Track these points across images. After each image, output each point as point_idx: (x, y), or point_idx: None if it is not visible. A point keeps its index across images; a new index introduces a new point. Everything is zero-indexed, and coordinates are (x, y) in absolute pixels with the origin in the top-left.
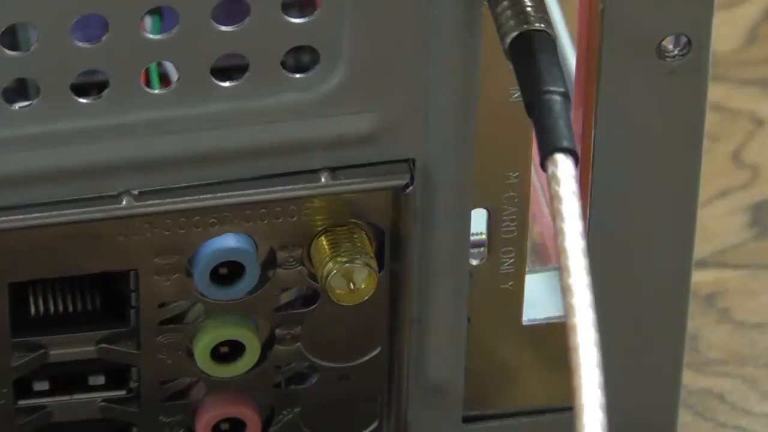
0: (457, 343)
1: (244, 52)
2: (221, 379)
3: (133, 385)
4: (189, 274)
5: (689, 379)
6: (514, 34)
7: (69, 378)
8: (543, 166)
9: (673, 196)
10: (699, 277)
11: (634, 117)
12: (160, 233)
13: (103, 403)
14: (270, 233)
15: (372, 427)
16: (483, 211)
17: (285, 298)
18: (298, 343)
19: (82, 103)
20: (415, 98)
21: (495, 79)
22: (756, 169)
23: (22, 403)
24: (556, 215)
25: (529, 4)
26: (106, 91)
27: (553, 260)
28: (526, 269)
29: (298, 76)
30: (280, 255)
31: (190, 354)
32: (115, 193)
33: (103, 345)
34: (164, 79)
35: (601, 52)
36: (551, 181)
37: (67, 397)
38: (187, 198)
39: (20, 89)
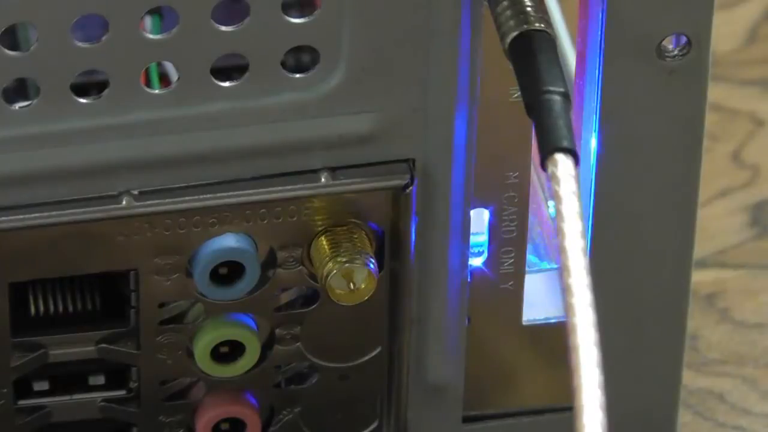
0: (457, 343)
1: (244, 52)
2: (221, 379)
3: (133, 385)
4: (189, 274)
5: (689, 379)
6: (514, 34)
7: (69, 378)
8: (543, 166)
9: (673, 196)
10: (699, 277)
11: (634, 117)
12: (160, 233)
13: (103, 403)
14: (270, 233)
15: (372, 427)
16: (483, 211)
17: (285, 298)
18: (298, 343)
19: (82, 103)
20: (415, 98)
21: (495, 79)
22: (756, 169)
23: (22, 403)
24: (556, 215)
25: (529, 4)
26: (106, 91)
27: (553, 260)
28: (526, 269)
29: (298, 76)
30: (280, 255)
31: (190, 354)
32: (115, 193)
33: (103, 345)
34: (164, 79)
35: (601, 52)
36: (551, 181)
37: (67, 397)
38: (187, 198)
39: (20, 89)
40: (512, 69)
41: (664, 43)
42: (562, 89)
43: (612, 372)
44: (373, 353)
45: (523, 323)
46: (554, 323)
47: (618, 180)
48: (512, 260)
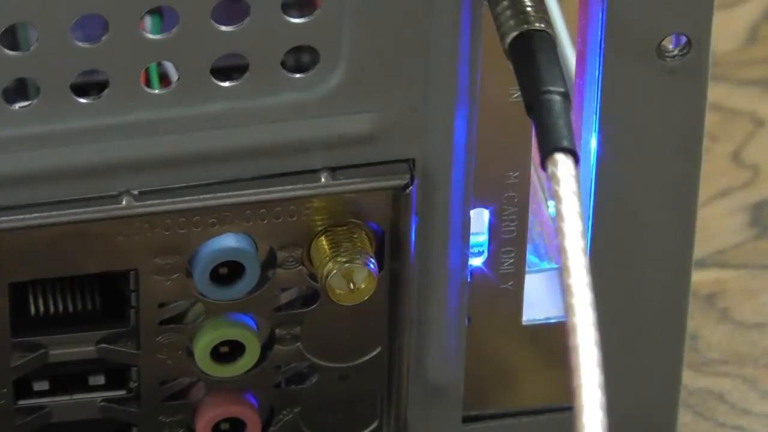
0: (457, 343)
1: (244, 52)
2: (221, 379)
3: (133, 385)
4: (189, 274)
5: (689, 378)
6: (514, 34)
7: (69, 378)
8: (543, 166)
9: (673, 196)
10: (699, 277)
11: (634, 117)
12: (160, 233)
13: (103, 403)
14: (270, 233)
15: (372, 427)
16: (483, 211)
17: (285, 298)
18: (298, 343)
19: (82, 103)
20: (415, 98)
21: (495, 79)
22: (756, 169)
23: (22, 403)
24: (556, 215)
25: (529, 4)
26: (106, 91)
27: (553, 260)
28: (526, 269)
29: (298, 76)
30: (280, 255)
31: (190, 354)
32: (115, 193)
33: (103, 345)
34: (164, 79)
35: (601, 52)
36: (551, 181)
37: (67, 397)
38: (187, 198)
39: (20, 89)
40: (512, 69)
41: (664, 43)
42: (562, 89)
43: (612, 372)
44: (373, 353)
45: (523, 323)
46: (554, 323)
47: (618, 180)
48: (512, 260)
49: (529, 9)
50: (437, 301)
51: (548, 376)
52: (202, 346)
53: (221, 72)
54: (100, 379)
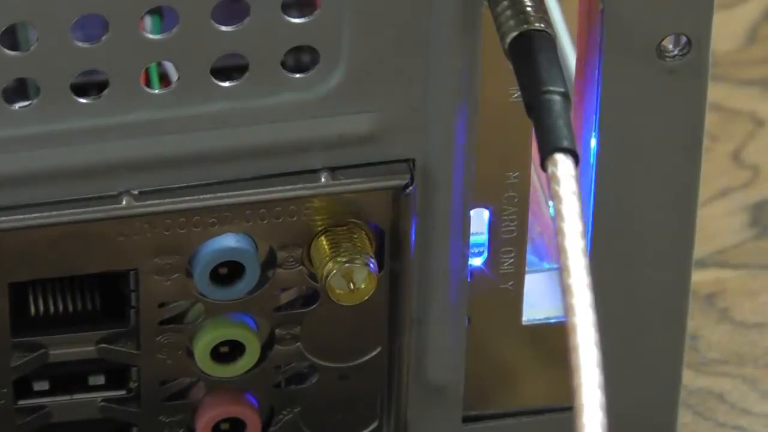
0: (457, 343)
1: (244, 52)
2: (221, 379)
3: (133, 385)
4: (189, 274)
5: (689, 378)
6: (514, 34)
7: (69, 378)
8: (543, 166)
9: (673, 196)
10: (699, 277)
11: (634, 117)
12: (160, 233)
13: (103, 403)
14: (270, 233)
15: (372, 427)
16: (483, 211)
17: (285, 298)
18: (298, 343)
19: (82, 103)
20: (415, 98)
21: (495, 79)
22: (756, 169)
23: (22, 403)
24: (556, 215)
25: (529, 4)
26: (106, 91)
27: (553, 260)
28: (526, 269)
29: (298, 76)
30: (280, 255)
31: (190, 354)
32: (115, 193)
33: (103, 345)
34: (164, 79)
35: (601, 52)
36: (551, 181)
37: (67, 397)
38: (187, 198)
39: (20, 89)
40: (512, 69)
41: (664, 43)
42: (562, 89)
43: (612, 372)
44: (373, 353)
45: (523, 323)
46: (554, 323)
47: (618, 180)
48: (512, 260)
49: (529, 9)
50: (437, 301)
51: (548, 376)
52: (202, 346)
53: (221, 72)
54: (100, 379)
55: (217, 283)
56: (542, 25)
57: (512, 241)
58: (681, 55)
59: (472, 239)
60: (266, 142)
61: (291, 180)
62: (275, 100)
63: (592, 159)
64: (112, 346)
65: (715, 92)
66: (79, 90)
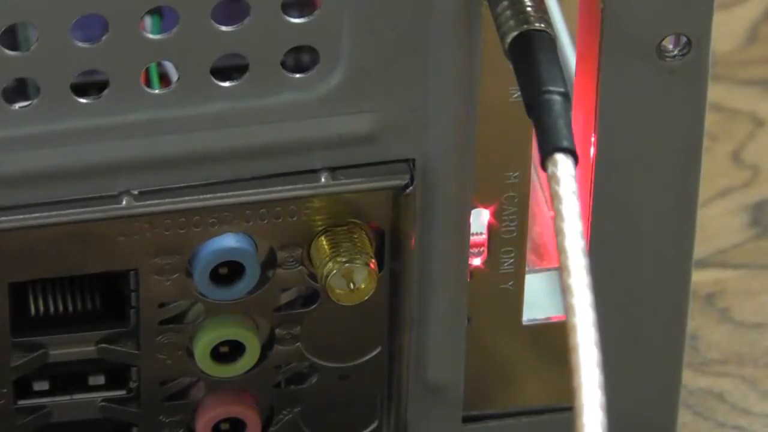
0: (457, 343)
1: (244, 52)
2: (221, 379)
3: (133, 385)
4: (189, 274)
5: (689, 379)
6: (514, 34)
7: (69, 378)
8: (543, 166)
9: (673, 196)
10: (699, 277)
11: (634, 117)
12: (160, 233)
13: (103, 403)
14: (270, 233)
15: (372, 427)
16: (483, 211)
17: (285, 298)
18: (298, 343)
19: (82, 103)
20: (415, 98)
21: (495, 79)
22: (756, 169)
23: (22, 403)
24: (556, 215)
25: (529, 4)
26: (106, 91)
27: (553, 260)
28: (526, 269)
29: (298, 76)
30: (280, 255)
31: (190, 354)
32: (115, 193)
33: (103, 345)
34: (164, 79)
35: (601, 52)
36: (551, 181)
37: (67, 397)
38: (187, 198)
39: (20, 89)
40: (512, 69)
41: (664, 43)
42: (561, 89)
43: (612, 372)
44: (373, 353)
45: (523, 323)
46: (554, 323)
47: (618, 180)
48: (512, 260)
49: (529, 9)
50: (437, 301)
51: (548, 376)
52: (202, 346)
53: (221, 72)
54: (100, 379)
55: (217, 283)
56: (542, 25)
57: (512, 241)
58: (681, 55)
59: (472, 239)
60: (266, 142)
61: (291, 180)
62: (275, 100)
63: (592, 159)
64: (112, 346)
65: (715, 92)
66: (79, 90)
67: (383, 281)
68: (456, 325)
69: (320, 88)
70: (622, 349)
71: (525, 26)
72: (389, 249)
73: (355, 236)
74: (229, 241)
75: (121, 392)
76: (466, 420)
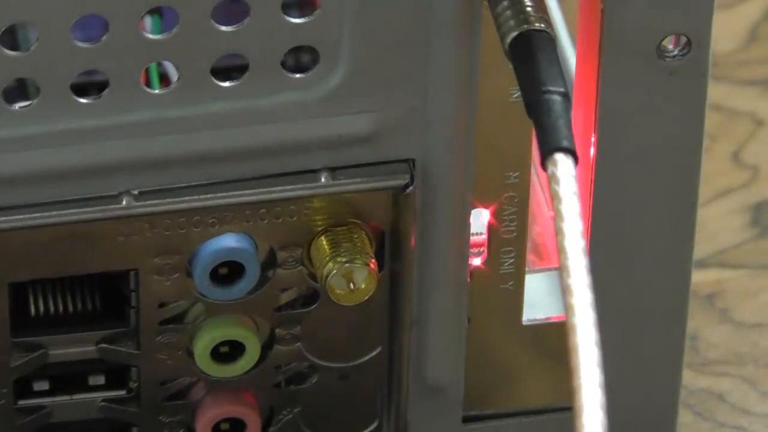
0: (457, 343)
1: (244, 52)
2: (221, 379)
3: (133, 385)
4: (189, 274)
5: (689, 379)
6: (514, 34)
7: (69, 378)
8: (543, 166)
9: (673, 196)
10: (699, 277)
11: (634, 117)
12: (160, 233)
13: (103, 403)
14: (270, 233)
15: (372, 427)
16: (483, 211)
17: (285, 298)
18: (298, 343)
19: (82, 103)
20: (415, 98)
21: (495, 79)
22: (756, 169)
23: (22, 403)
24: (556, 215)
25: (529, 4)
26: (106, 91)
27: (553, 260)
28: (526, 269)
29: (298, 76)
30: (280, 255)
31: (190, 354)
32: (115, 193)
33: (103, 345)
34: (164, 79)
35: (601, 52)
36: (551, 181)
37: (67, 397)
38: (187, 198)
39: (20, 89)
40: (512, 69)
41: (664, 43)
42: (561, 89)
43: (612, 372)
44: (373, 353)
45: (523, 323)
46: (554, 323)
47: (617, 180)
48: (512, 260)
49: (529, 9)
50: (437, 301)
51: (548, 376)
52: (202, 346)
53: (221, 72)
54: (100, 379)
55: (217, 283)
56: (542, 25)
57: (512, 241)
58: (681, 55)
59: (472, 239)
60: (266, 142)
61: (291, 180)
62: (275, 100)
63: (592, 159)
64: (112, 346)
65: (715, 92)
66: (79, 90)
67: (383, 281)
68: (456, 325)
69: (320, 88)
70: (622, 349)
71: (525, 26)
72: (389, 249)
73: (355, 236)
74: (229, 241)
75: (121, 392)
76: (466, 420)
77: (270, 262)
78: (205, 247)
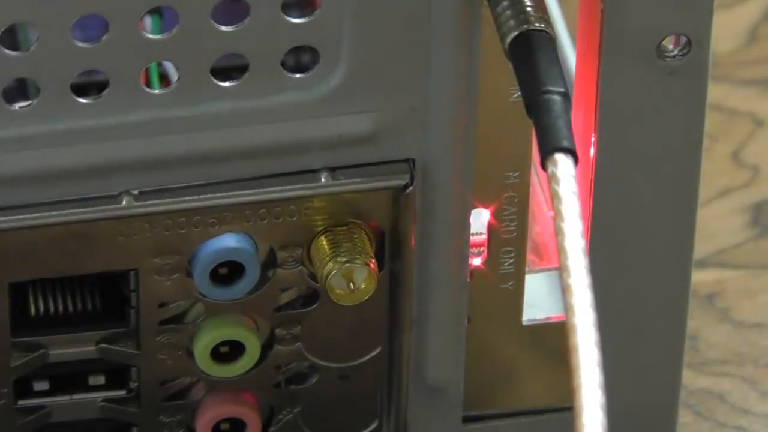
0: (457, 343)
1: (244, 52)
2: (221, 379)
3: (133, 385)
4: (189, 274)
5: (689, 379)
6: (514, 34)
7: (69, 378)
8: (543, 166)
9: (673, 196)
10: (699, 277)
11: (634, 117)
12: (160, 233)
13: (103, 403)
14: (270, 233)
15: (372, 427)
16: (483, 211)
17: (285, 298)
18: (298, 343)
19: (82, 103)
20: (415, 98)
21: (495, 79)
22: (756, 169)
23: (22, 403)
24: (556, 215)
25: (529, 4)
26: (106, 91)
27: (553, 260)
28: (526, 269)
29: (298, 76)
30: (280, 255)
31: (190, 354)
32: (115, 193)
33: (103, 345)
34: (164, 79)
35: (601, 52)
36: (551, 181)
37: (67, 397)
38: (187, 198)
39: (20, 89)
40: (512, 69)
41: (664, 43)
42: (561, 89)
43: (612, 372)
44: (373, 353)
45: (523, 323)
46: (554, 323)
47: (617, 180)
48: (512, 260)
49: (529, 9)
50: (437, 301)
51: (548, 376)
52: (202, 346)
53: (221, 72)
54: (100, 379)
55: (217, 283)
56: (542, 25)
57: (512, 241)
58: (681, 55)
59: (472, 239)
60: (266, 142)
61: (291, 180)
62: (275, 100)
63: (592, 159)
64: (112, 346)
65: (715, 92)
66: (79, 90)
67: (383, 281)
68: (456, 325)
69: (320, 88)
70: (622, 349)
71: (525, 26)
72: (389, 249)
73: (355, 236)
74: (229, 241)
75: (121, 392)
76: (466, 420)
77: (270, 262)
78: (205, 247)
